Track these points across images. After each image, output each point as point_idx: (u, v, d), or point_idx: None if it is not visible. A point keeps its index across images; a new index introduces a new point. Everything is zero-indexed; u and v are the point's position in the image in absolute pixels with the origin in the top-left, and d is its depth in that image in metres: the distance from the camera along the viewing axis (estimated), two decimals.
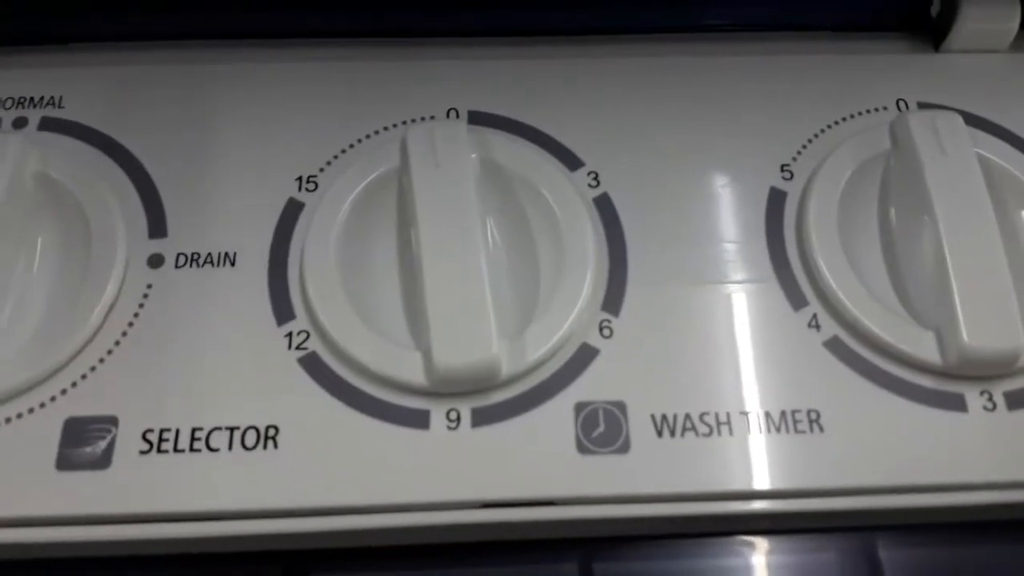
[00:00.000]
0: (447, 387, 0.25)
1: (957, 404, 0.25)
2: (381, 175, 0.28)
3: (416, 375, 0.25)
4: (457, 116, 0.30)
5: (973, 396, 0.25)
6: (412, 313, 0.26)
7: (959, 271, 0.25)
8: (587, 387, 0.25)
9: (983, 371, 0.25)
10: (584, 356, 0.26)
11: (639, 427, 0.25)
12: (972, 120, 0.30)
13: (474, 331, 0.25)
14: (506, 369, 0.25)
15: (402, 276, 0.27)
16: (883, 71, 0.31)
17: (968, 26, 0.31)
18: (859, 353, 0.26)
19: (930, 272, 0.26)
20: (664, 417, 0.25)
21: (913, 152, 0.28)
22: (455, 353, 0.24)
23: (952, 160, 0.27)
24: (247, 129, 0.29)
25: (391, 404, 0.25)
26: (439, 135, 0.28)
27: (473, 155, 0.28)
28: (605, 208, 0.28)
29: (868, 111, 0.30)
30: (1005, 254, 0.26)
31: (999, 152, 0.29)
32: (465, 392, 0.25)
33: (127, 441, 0.24)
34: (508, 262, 0.27)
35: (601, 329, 0.26)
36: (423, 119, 0.30)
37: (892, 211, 0.29)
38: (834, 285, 0.26)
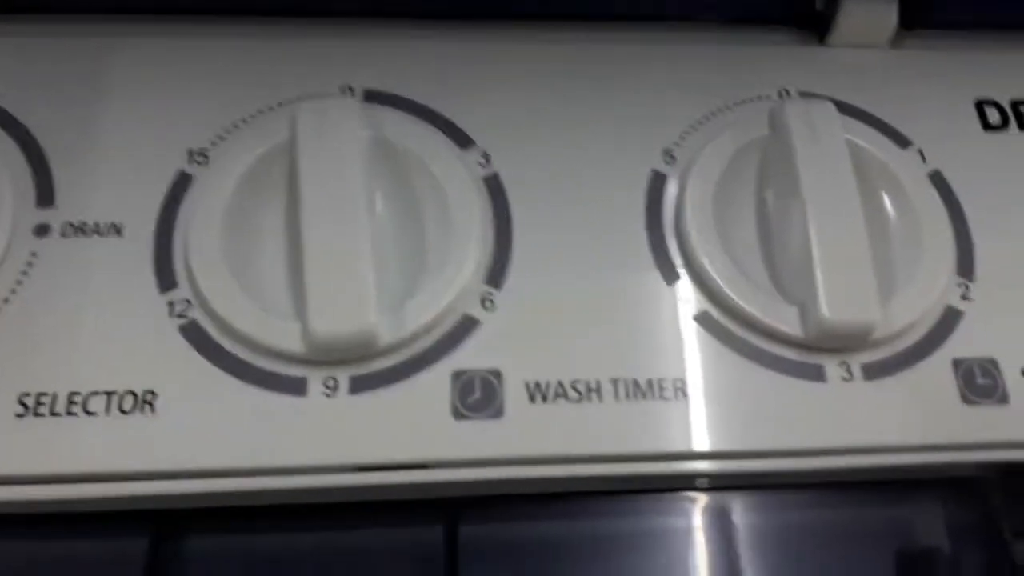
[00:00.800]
0: (324, 355, 0.25)
1: (816, 374, 0.27)
2: (271, 149, 0.28)
3: (294, 343, 0.25)
4: (352, 94, 0.31)
5: (832, 367, 0.27)
6: (295, 284, 0.27)
7: (822, 250, 0.27)
8: (466, 356, 0.26)
9: (841, 343, 0.27)
10: (465, 326, 0.27)
11: (513, 393, 0.26)
12: (848, 110, 0.31)
13: (352, 301, 0.25)
14: (386, 338, 0.26)
15: (287, 249, 0.28)
16: (769, 62, 0.32)
17: (849, 21, 0.32)
18: (726, 326, 0.27)
19: (797, 251, 0.27)
20: (538, 384, 0.26)
21: (787, 138, 0.29)
22: (331, 321, 0.25)
23: (822, 146, 0.28)
24: (140, 102, 0.29)
25: (269, 371, 0.25)
26: (328, 111, 0.28)
27: (364, 132, 0.29)
28: (494, 187, 0.29)
29: (752, 99, 0.31)
30: (866, 235, 0.27)
31: (870, 140, 0.30)
32: (345, 360, 0.26)
33: (3, 405, 0.24)
34: (396, 236, 0.28)
35: (483, 301, 0.27)
36: (317, 96, 0.31)
37: (768, 194, 0.30)
38: (705, 262, 0.27)
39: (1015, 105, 0.33)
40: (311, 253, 0.25)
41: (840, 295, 0.26)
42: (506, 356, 0.26)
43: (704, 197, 0.29)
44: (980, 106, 0.32)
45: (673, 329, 0.27)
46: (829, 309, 0.26)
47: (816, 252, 0.26)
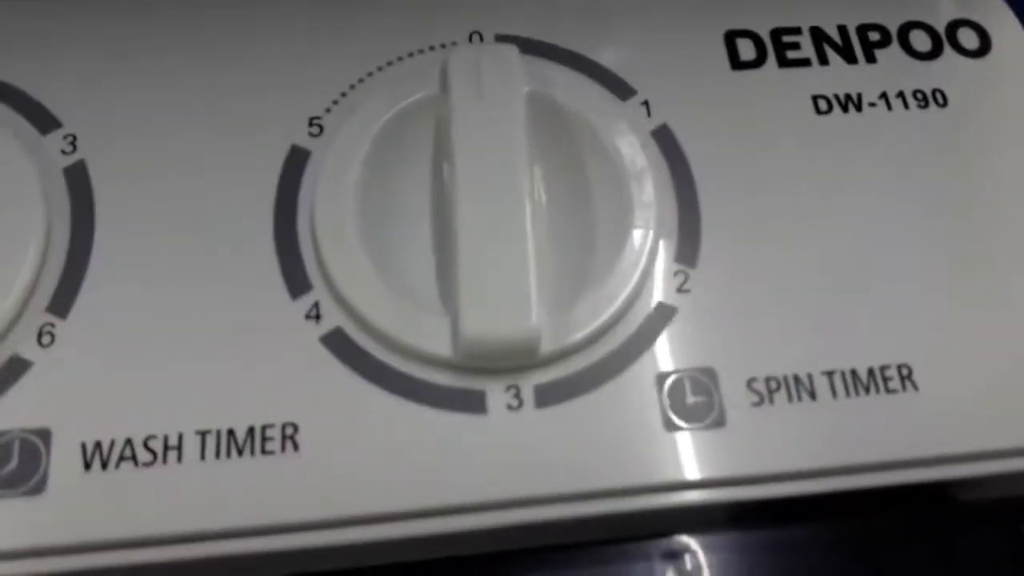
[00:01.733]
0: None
1: (475, 404, 0.20)
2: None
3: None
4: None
5: (497, 393, 0.21)
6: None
7: (468, 242, 0.20)
8: (1, 414, 0.19)
9: (496, 363, 0.20)
10: (11, 371, 0.20)
11: (63, 460, 0.19)
12: (557, 54, 0.25)
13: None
14: None
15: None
16: None
17: None
18: (363, 348, 0.21)
19: (450, 245, 0.21)
20: (98, 445, 0.20)
21: (449, 96, 0.22)
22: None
23: (489, 105, 0.22)
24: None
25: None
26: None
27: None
28: (78, 179, 0.22)
29: (433, 48, 0.24)
30: (529, 219, 0.20)
31: (574, 92, 0.23)
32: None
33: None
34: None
35: (41, 336, 0.21)
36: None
37: (444, 170, 0.24)
38: (336, 264, 0.21)
39: (776, 35, 0.26)
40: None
41: (485, 301, 0.20)
42: (56, 411, 0.20)
43: (345, 178, 0.22)
44: (731, 39, 0.26)
45: (293, 357, 0.21)
46: (469, 320, 0.20)
47: (460, 245, 0.20)
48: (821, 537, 0.21)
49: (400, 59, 0.24)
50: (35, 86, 0.23)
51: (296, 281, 0.21)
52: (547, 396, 0.21)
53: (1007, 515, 0.22)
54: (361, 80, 0.24)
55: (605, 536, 0.21)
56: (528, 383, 0.21)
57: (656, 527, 0.21)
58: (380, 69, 0.24)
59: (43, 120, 0.23)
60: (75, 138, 0.23)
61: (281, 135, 0.23)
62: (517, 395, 0.21)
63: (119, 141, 0.23)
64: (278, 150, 0.23)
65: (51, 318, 0.21)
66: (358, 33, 0.25)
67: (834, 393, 0.21)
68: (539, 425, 0.20)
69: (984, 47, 0.27)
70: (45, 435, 0.20)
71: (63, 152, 0.23)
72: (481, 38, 0.25)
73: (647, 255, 0.22)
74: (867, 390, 0.21)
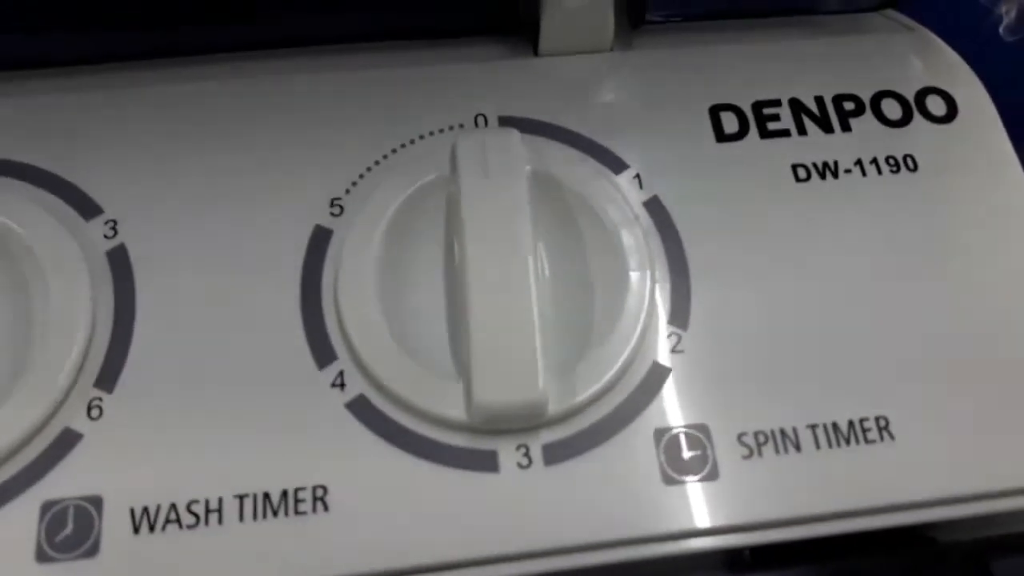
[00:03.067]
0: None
1: (488, 463, 0.22)
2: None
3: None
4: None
5: (508, 452, 0.23)
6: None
7: (477, 313, 0.22)
8: (58, 483, 0.21)
9: (507, 425, 0.22)
10: (64, 442, 0.22)
11: (114, 525, 0.21)
12: (556, 132, 0.27)
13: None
14: None
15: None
16: (469, 82, 0.28)
17: (556, 26, 0.28)
18: (386, 414, 0.23)
19: (462, 315, 0.24)
20: (146, 510, 0.22)
21: (457, 177, 0.25)
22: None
23: (493, 184, 0.24)
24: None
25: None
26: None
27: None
28: (119, 262, 0.24)
29: (442, 130, 0.27)
30: (533, 291, 0.22)
31: (572, 168, 0.26)
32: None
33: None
34: None
35: (90, 409, 0.23)
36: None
37: (455, 245, 0.26)
38: (358, 335, 0.23)
39: (758, 108, 0.28)
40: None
41: (495, 369, 0.22)
42: (107, 480, 0.21)
43: (365, 254, 0.24)
44: (715, 112, 0.28)
45: (320, 422, 0.23)
46: (481, 387, 0.22)
47: (471, 316, 0.22)
48: None
49: (412, 142, 0.26)
50: (78, 175, 0.25)
51: (322, 352, 0.24)
52: (555, 454, 0.23)
53: (980, 554, 0.24)
54: (377, 163, 0.26)
55: None
56: (537, 443, 0.23)
57: (658, 573, 0.23)
58: (394, 151, 0.26)
59: (86, 207, 0.25)
60: (116, 223, 0.25)
61: (305, 216, 0.25)
62: (527, 454, 0.23)
63: (156, 225, 0.25)
64: (303, 230, 0.25)
65: (99, 392, 0.23)
66: (372, 119, 0.27)
67: (817, 445, 0.23)
68: (548, 481, 0.22)
69: (951, 113, 0.29)
70: (97, 502, 0.22)
71: (105, 236, 0.25)
72: (486, 120, 0.27)
73: (643, 320, 0.24)
74: (848, 441, 0.24)
